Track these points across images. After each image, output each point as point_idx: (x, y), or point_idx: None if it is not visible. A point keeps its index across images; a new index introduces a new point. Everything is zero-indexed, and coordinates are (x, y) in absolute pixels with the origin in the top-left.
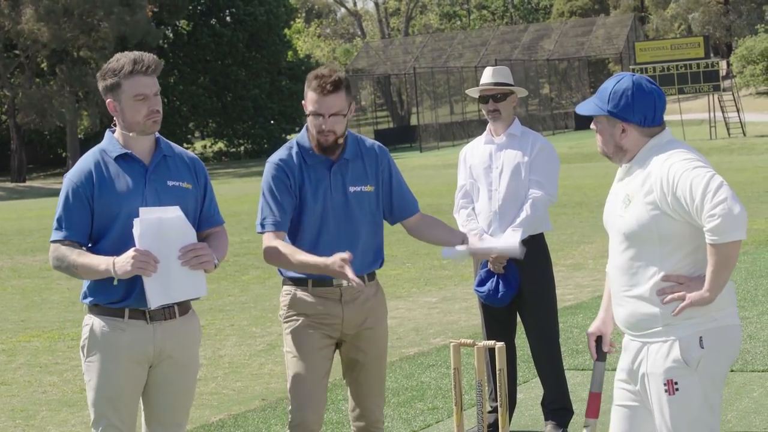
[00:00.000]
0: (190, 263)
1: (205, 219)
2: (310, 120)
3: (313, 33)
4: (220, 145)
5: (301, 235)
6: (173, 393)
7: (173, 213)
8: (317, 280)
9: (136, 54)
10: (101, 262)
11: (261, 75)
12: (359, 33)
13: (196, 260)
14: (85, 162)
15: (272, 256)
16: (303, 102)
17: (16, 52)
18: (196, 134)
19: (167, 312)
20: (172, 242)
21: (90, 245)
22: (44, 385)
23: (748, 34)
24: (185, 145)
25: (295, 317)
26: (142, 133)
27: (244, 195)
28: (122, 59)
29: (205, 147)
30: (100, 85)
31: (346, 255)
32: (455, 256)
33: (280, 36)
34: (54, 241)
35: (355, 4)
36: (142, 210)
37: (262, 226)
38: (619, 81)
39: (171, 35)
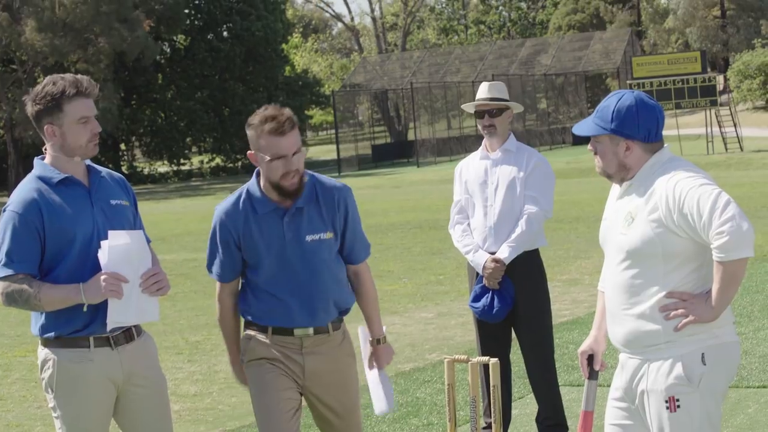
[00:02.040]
0: (150, 289)
1: None
2: (269, 167)
3: (311, 48)
4: (218, 160)
5: (261, 282)
6: (150, 414)
7: (137, 236)
8: (276, 328)
9: (73, 76)
10: (68, 291)
11: (258, 90)
12: (356, 48)
13: (155, 286)
14: (26, 191)
15: (218, 312)
16: (250, 153)
17: (14, 67)
18: (194, 149)
19: (127, 335)
20: (135, 266)
21: (40, 276)
22: (39, 400)
23: (746, 48)
24: (182, 160)
25: (255, 361)
26: (84, 156)
27: None
28: (60, 82)
29: (202, 162)
30: (34, 109)
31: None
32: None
33: (278, 51)
34: (4, 277)
35: (352, 19)
36: (111, 234)
37: (209, 270)
38: (621, 98)
39: (168, 50)
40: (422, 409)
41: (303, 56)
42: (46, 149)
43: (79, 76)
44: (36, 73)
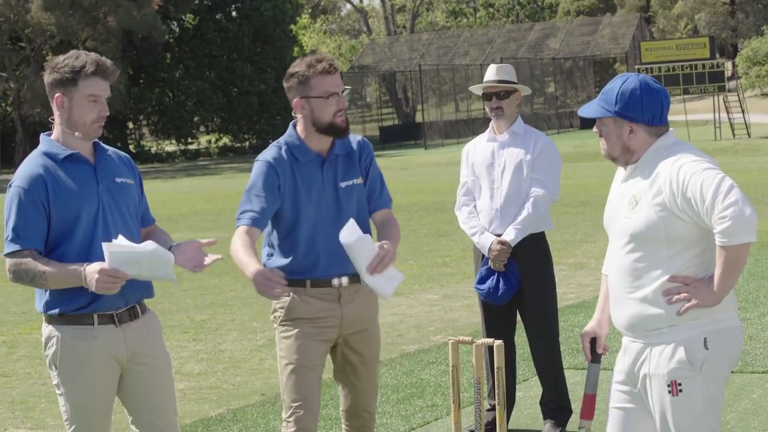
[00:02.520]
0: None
1: (141, 217)
2: (323, 106)
3: (319, 29)
4: (225, 140)
5: (300, 233)
6: (156, 393)
7: (149, 248)
8: (315, 281)
9: (96, 56)
10: (71, 273)
11: (266, 70)
12: (365, 29)
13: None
14: (32, 167)
15: (232, 250)
16: (297, 100)
17: (22, 44)
18: (201, 129)
19: (132, 312)
20: (145, 268)
21: (46, 253)
22: (44, 377)
23: (755, 35)
24: (190, 139)
25: (291, 323)
26: (86, 136)
27: None
28: (83, 57)
29: (209, 142)
30: (51, 77)
31: (270, 274)
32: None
33: (286, 31)
34: (11, 253)
35: (361, 0)
36: (105, 246)
37: (239, 219)
38: (625, 81)
39: (177, 30)
40: (426, 391)
41: (311, 37)
42: (52, 124)
43: (103, 58)
44: (44, 51)
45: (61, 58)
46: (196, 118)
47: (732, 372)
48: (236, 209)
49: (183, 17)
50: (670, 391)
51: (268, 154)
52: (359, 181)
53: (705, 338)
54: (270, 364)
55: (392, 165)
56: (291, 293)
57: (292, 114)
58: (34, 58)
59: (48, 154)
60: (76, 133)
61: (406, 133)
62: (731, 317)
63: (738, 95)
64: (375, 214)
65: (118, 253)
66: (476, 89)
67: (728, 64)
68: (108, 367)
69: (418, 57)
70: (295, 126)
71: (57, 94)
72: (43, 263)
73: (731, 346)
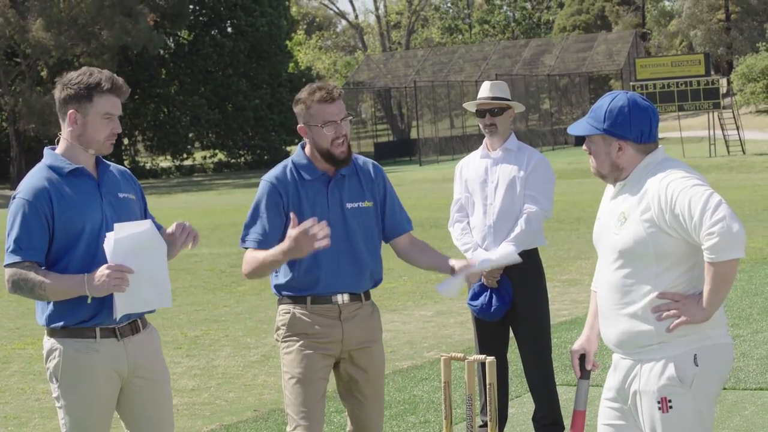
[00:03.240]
0: (186, 245)
1: None
2: (320, 134)
3: (314, 45)
4: (220, 156)
5: (302, 259)
6: (153, 407)
7: (144, 227)
8: (315, 297)
9: (110, 73)
10: (72, 281)
11: (262, 86)
12: (360, 46)
13: (189, 239)
14: (37, 179)
15: (247, 264)
16: (301, 126)
17: (17, 60)
18: (196, 145)
19: (133, 326)
20: (144, 256)
21: (47, 266)
22: (37, 393)
23: (749, 51)
24: (185, 155)
25: (293, 338)
26: (99, 152)
27: (242, 206)
28: (97, 74)
29: (204, 158)
30: (63, 93)
31: (306, 225)
32: (451, 289)
33: (282, 47)
34: (11, 264)
35: (356, 16)
36: (116, 226)
37: (244, 240)
38: (614, 99)
39: (172, 45)
40: (419, 407)
41: (307, 53)
42: (59, 138)
43: (116, 75)
44: (39, 66)
45: (74, 74)
46: (191, 134)
47: (724, 389)
48: (231, 225)
49: (178, 33)
50: (660, 408)
51: (273, 174)
52: (367, 204)
53: (695, 355)
54: (263, 380)
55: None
56: (291, 310)
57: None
58: (30, 73)
59: (53, 168)
60: (90, 150)
61: (401, 150)
62: (721, 334)
63: (733, 112)
64: (399, 238)
65: (123, 238)
66: (470, 106)
67: (723, 81)
68: (109, 380)
69: (413, 73)
70: (303, 147)
71: (70, 111)
72: (43, 274)
73: (721, 363)
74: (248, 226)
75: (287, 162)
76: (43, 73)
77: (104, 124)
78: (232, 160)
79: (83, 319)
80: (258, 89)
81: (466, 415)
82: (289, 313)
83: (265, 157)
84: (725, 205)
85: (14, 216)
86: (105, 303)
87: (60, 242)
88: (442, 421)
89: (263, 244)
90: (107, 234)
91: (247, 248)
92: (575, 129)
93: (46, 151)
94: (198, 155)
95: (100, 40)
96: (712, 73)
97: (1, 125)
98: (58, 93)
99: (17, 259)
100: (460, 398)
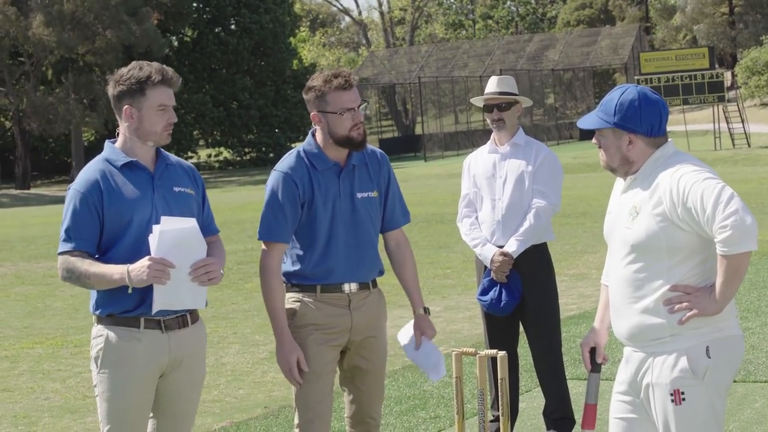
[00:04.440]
0: (200, 279)
1: (204, 227)
2: (339, 121)
3: (318, 42)
4: (225, 154)
5: (313, 240)
6: (182, 401)
7: (190, 224)
8: (325, 286)
9: (159, 65)
10: (115, 271)
11: (266, 83)
12: (364, 42)
13: (206, 276)
14: (91, 172)
15: (263, 270)
16: (314, 113)
17: (21, 59)
18: (201, 143)
19: (181, 321)
20: (185, 253)
21: (98, 255)
22: (47, 392)
23: (754, 45)
24: (190, 153)
25: (302, 329)
26: (156, 143)
27: (248, 203)
28: (147, 68)
29: (209, 156)
30: (117, 89)
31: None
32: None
33: (286, 44)
34: (62, 253)
35: (360, 13)
36: (163, 219)
37: (262, 234)
38: (624, 92)
39: (176, 43)
40: (429, 402)
41: (311, 50)
42: (118, 132)
43: (165, 66)
44: (44, 65)
45: (124, 70)
46: (195, 132)
47: (735, 381)
48: (236, 222)
49: (182, 31)
50: (673, 400)
51: (286, 164)
52: (374, 194)
53: (707, 347)
54: (272, 377)
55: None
56: (301, 299)
57: (310, 127)
58: (34, 72)
59: (108, 160)
60: (149, 142)
61: (405, 145)
62: (732, 326)
63: (737, 105)
64: (391, 233)
65: (168, 231)
66: (477, 101)
67: (728, 74)
68: (148, 371)
69: (417, 69)
70: (314, 134)
71: (125, 106)
72: (88, 263)
73: (733, 355)
74: (266, 219)
75: (298, 151)
76: (48, 72)
77: (159, 115)
78: (237, 158)
79: (128, 308)
80: (262, 86)
81: (478, 409)
82: (298, 301)
83: (270, 155)
84: (738, 198)
85: (68, 206)
86: (149, 295)
87: (109, 233)
88: (453, 416)
89: (282, 236)
90: (154, 226)
91: (267, 241)
92: (585, 122)
93: (106, 143)
94: (203, 153)
95: (104, 39)
96: (717, 66)
97: (6, 124)
98: (111, 90)
99: (68, 247)
100: (470, 393)
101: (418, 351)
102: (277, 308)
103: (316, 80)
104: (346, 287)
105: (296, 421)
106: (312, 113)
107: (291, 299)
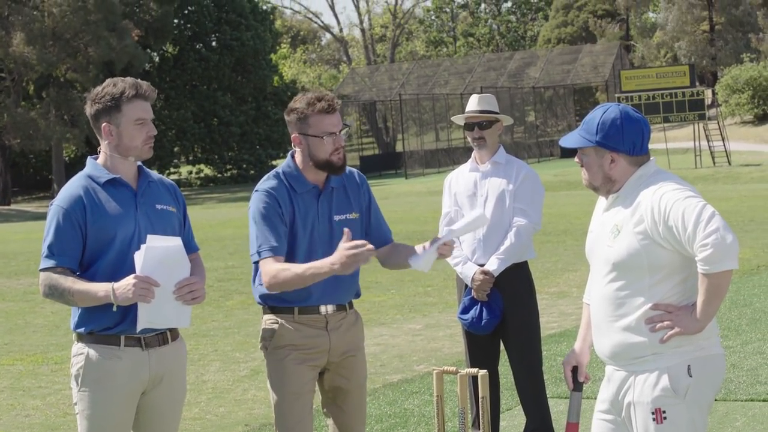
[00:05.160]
0: (184, 298)
1: (184, 244)
2: (320, 145)
3: (299, 59)
4: (206, 170)
5: (291, 261)
6: (163, 419)
7: (175, 243)
8: (303, 308)
9: (133, 79)
10: (99, 289)
11: (247, 100)
12: (345, 59)
13: (190, 295)
14: (73, 188)
15: (277, 278)
16: (295, 135)
17: (2, 75)
18: (182, 159)
19: (161, 338)
20: (170, 272)
21: (80, 272)
22: (27, 409)
23: (734, 62)
24: (171, 170)
25: (280, 350)
26: (138, 158)
27: (228, 220)
28: (120, 84)
29: (190, 172)
30: (93, 108)
31: (352, 244)
32: (423, 262)
33: (267, 61)
34: (44, 269)
35: (341, 30)
36: (149, 237)
37: (260, 254)
38: (606, 111)
39: (157, 59)
40: (410, 421)
41: (291, 67)
42: (100, 149)
43: (139, 80)
44: (24, 81)
45: (99, 88)
46: (176, 148)
47: (715, 400)
48: (217, 239)
49: (163, 47)
50: (654, 419)
51: (267, 184)
52: (353, 216)
53: (689, 365)
54: (253, 395)
55: (373, 194)
56: (278, 320)
57: (291, 146)
58: (15, 88)
59: (91, 177)
60: (130, 158)
61: (386, 163)
62: (714, 344)
63: (718, 123)
64: (385, 248)
65: (154, 249)
66: (458, 119)
67: (708, 92)
68: (128, 388)
69: (398, 86)
70: (293, 156)
71: (103, 124)
72: (72, 281)
73: (714, 373)
74: (258, 237)
75: (278, 172)
76: (29, 88)
77: (138, 129)
78: (218, 175)
79: (108, 326)
80: (243, 103)
81: (459, 428)
82: (276, 323)
83: (251, 172)
84: (719, 217)
85: (50, 222)
86: (130, 312)
87: (92, 249)
88: None
89: (278, 250)
90: (141, 245)
91: (262, 259)
92: (567, 141)
93: (88, 160)
94: (184, 169)
95: (85, 56)
96: (697, 84)
97: None
98: (88, 109)
99: (50, 264)
100: (450, 411)
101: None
102: (306, 267)
103: (298, 102)
104: (323, 309)
105: None
106: (293, 135)
107: (268, 321)
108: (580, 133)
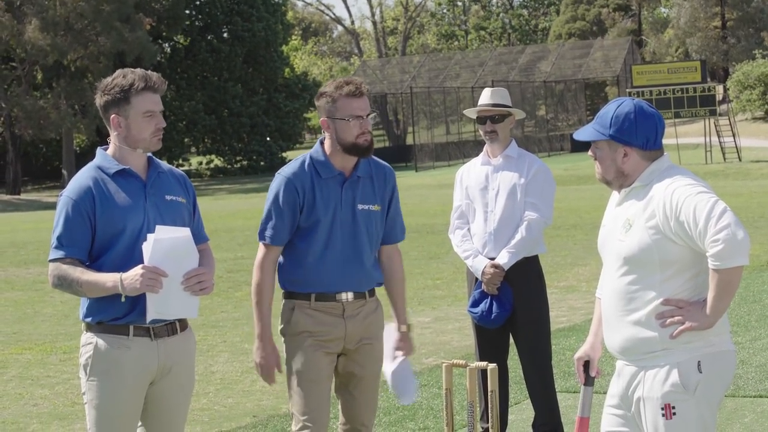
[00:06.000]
0: (192, 288)
1: (194, 235)
2: (347, 128)
3: (310, 51)
4: (216, 161)
5: (310, 247)
6: (171, 409)
7: (184, 233)
8: (320, 294)
9: (143, 71)
10: (108, 279)
11: (258, 91)
12: (356, 51)
13: (198, 286)
14: (83, 179)
15: (257, 268)
16: (323, 119)
17: (14, 64)
18: (192, 150)
19: (170, 328)
20: (178, 262)
21: (89, 262)
22: (35, 398)
23: (746, 59)
24: (181, 161)
25: (298, 336)
26: (147, 150)
27: (238, 211)
28: (130, 75)
29: (200, 163)
30: (103, 99)
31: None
32: (408, 393)
33: (278, 53)
34: (54, 260)
35: (352, 22)
36: (158, 228)
37: (263, 236)
38: (620, 105)
39: (168, 50)
40: (418, 413)
41: (302, 59)
42: (109, 139)
43: (148, 71)
44: (35, 71)
45: (108, 79)
46: (186, 140)
47: (724, 396)
48: (227, 230)
49: (174, 38)
50: (663, 415)
51: (290, 168)
52: (376, 208)
53: (699, 362)
54: (262, 386)
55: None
56: (296, 306)
57: (321, 132)
58: (26, 78)
59: (100, 168)
60: (138, 150)
61: (396, 156)
62: (725, 341)
63: (729, 119)
64: (386, 247)
65: (162, 241)
66: (471, 113)
67: (719, 88)
68: (137, 378)
69: (409, 79)
70: (322, 143)
71: (112, 116)
72: (80, 271)
73: (724, 370)
74: (266, 221)
75: (305, 157)
76: (39, 78)
77: (146, 121)
78: (228, 166)
79: (117, 316)
80: (254, 95)
81: (468, 421)
82: (293, 309)
83: (261, 163)
84: (730, 213)
85: (59, 213)
86: (139, 303)
87: (101, 240)
88: (442, 428)
89: (277, 240)
90: (148, 235)
91: (263, 242)
92: (581, 134)
93: (98, 151)
94: (194, 160)
95: (97, 46)
96: (708, 80)
97: None
98: (98, 101)
99: (59, 255)
100: (459, 405)
101: (395, 370)
102: (263, 306)
103: (328, 87)
104: (342, 296)
105: (293, 427)
106: (321, 119)
107: (287, 306)
108: (594, 127)
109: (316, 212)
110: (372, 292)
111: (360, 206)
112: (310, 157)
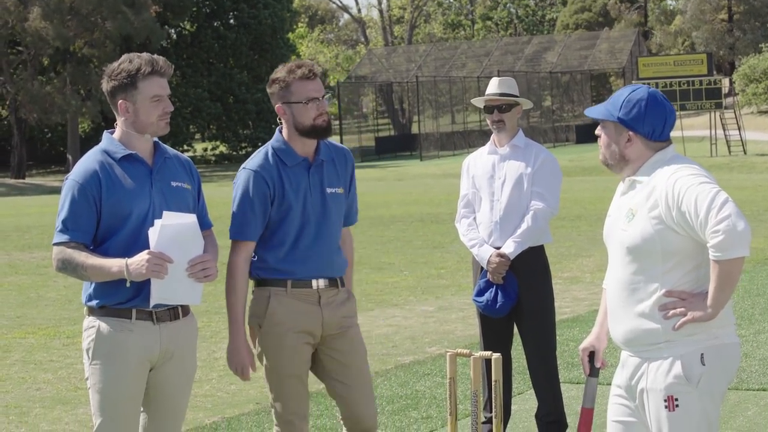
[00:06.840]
0: (196, 275)
1: (198, 220)
2: (303, 111)
3: (317, 38)
4: (221, 148)
5: (284, 237)
6: (173, 394)
7: (190, 220)
8: (296, 281)
9: (149, 56)
10: (113, 264)
11: (263, 79)
12: (363, 40)
13: (202, 273)
14: (89, 162)
15: (230, 267)
16: (278, 106)
17: (20, 49)
18: (197, 137)
19: (172, 313)
20: (184, 249)
21: (93, 247)
22: (38, 383)
23: (752, 52)
24: (185, 147)
25: (277, 329)
26: (154, 134)
27: None
28: (136, 60)
29: (205, 150)
30: (109, 84)
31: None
32: None
33: (284, 40)
34: (58, 243)
35: (359, 10)
36: (165, 214)
37: (233, 233)
38: (634, 90)
39: (174, 36)
40: (421, 402)
41: (309, 46)
42: (116, 124)
43: (155, 55)
44: (42, 56)
45: (115, 64)
46: (192, 126)
47: (727, 389)
48: (230, 216)
49: (181, 24)
50: (666, 407)
51: (255, 162)
52: (340, 191)
53: (702, 354)
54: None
55: (387, 176)
56: (271, 294)
57: (277, 120)
58: (32, 62)
59: (107, 152)
60: (146, 135)
61: (401, 144)
62: (729, 333)
63: (734, 112)
64: (342, 229)
65: (168, 227)
66: (478, 102)
67: (725, 81)
68: (139, 361)
69: (415, 68)
70: (281, 131)
71: (119, 101)
72: (85, 256)
73: (728, 363)
74: (237, 217)
75: (266, 148)
76: (46, 62)
77: (154, 106)
78: (234, 153)
79: (120, 300)
80: (260, 82)
81: (471, 411)
82: (269, 297)
83: None
84: (732, 203)
85: (65, 197)
86: (143, 288)
87: (106, 224)
88: (444, 417)
89: (252, 235)
90: (156, 221)
91: (237, 240)
92: (592, 111)
93: (105, 134)
94: (199, 147)
95: (102, 30)
96: (715, 72)
97: (2, 114)
98: (105, 86)
99: (64, 238)
100: (462, 394)
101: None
102: (237, 307)
103: (279, 72)
104: (315, 283)
105: (275, 420)
106: (276, 106)
107: (260, 295)
108: (605, 106)
109: (288, 201)
110: (342, 281)
111: (329, 190)
112: (272, 148)
